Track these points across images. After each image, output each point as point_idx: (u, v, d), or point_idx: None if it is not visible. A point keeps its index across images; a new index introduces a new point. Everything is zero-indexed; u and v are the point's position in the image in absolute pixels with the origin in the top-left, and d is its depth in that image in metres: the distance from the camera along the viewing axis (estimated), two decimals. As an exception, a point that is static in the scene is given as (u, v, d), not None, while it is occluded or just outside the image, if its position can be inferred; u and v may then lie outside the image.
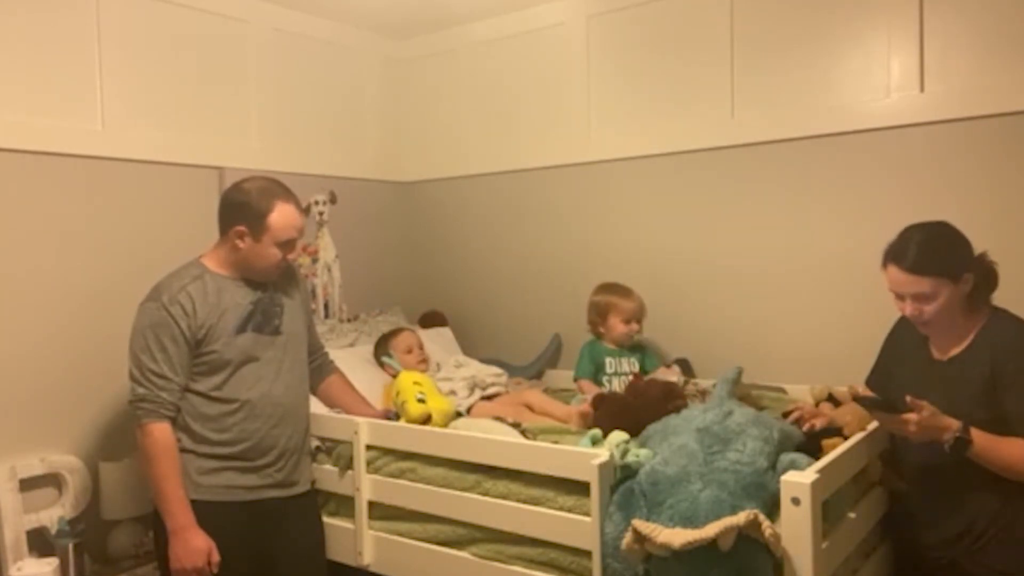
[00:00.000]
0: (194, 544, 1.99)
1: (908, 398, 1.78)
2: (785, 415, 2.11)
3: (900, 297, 1.92)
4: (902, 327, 2.11)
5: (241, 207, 2.10)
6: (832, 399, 2.44)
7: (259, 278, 2.19)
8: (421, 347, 2.98)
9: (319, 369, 2.45)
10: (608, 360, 2.82)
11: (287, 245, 2.14)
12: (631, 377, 2.63)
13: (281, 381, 2.19)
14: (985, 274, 1.92)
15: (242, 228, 2.10)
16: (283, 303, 2.24)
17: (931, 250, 1.87)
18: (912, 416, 1.76)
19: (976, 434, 1.77)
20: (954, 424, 1.77)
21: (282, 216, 2.10)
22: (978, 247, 1.93)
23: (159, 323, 2.03)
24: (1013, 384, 1.81)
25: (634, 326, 2.81)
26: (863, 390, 2.23)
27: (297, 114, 3.31)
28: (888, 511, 2.10)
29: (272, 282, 2.23)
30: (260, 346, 2.16)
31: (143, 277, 2.20)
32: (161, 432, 2.02)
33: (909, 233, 1.91)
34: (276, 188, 2.14)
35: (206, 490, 2.08)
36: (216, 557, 2.02)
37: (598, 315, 2.86)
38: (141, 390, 2.03)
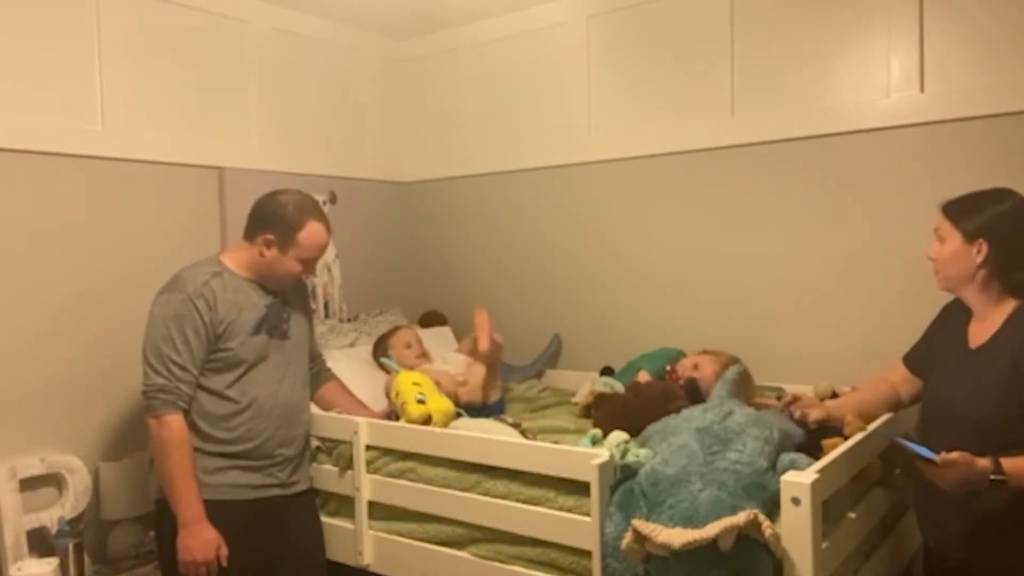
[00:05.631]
0: (206, 536, 2.02)
1: (938, 457, 1.68)
2: (778, 398, 2.08)
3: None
4: (949, 310, 2.06)
5: (275, 218, 2.15)
6: (835, 397, 2.43)
7: (273, 286, 2.24)
8: (419, 341, 2.98)
9: (317, 376, 2.49)
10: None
11: (310, 262, 2.21)
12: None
13: (286, 383, 2.24)
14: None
15: (271, 237, 2.14)
16: (290, 309, 2.29)
17: (967, 200, 1.90)
18: (944, 473, 1.68)
19: (1008, 466, 1.68)
20: (985, 465, 1.68)
21: (312, 235, 2.17)
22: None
23: (184, 315, 2.05)
24: None
25: (681, 370, 2.59)
26: (894, 363, 2.16)
27: (297, 114, 3.31)
28: (887, 511, 2.09)
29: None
30: (269, 349, 2.20)
31: (143, 277, 2.21)
32: (178, 423, 2.04)
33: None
34: (311, 205, 2.20)
35: (212, 489, 2.10)
36: (225, 551, 2.04)
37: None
38: (160, 380, 2.03)
